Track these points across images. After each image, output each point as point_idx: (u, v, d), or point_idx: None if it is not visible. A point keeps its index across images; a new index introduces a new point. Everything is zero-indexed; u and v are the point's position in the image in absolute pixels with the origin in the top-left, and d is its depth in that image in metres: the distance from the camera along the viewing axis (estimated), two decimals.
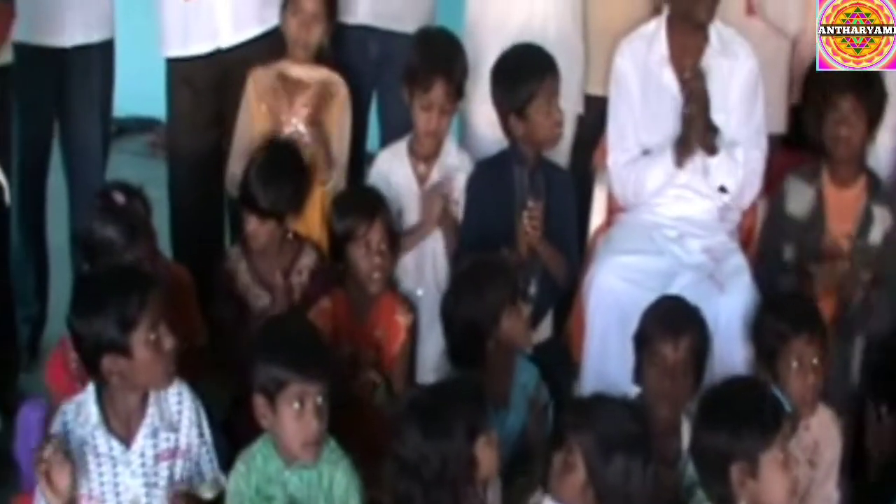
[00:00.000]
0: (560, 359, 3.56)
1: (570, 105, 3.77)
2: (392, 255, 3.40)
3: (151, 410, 2.73)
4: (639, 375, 3.01)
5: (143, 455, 2.72)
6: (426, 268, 3.53)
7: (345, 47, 3.87)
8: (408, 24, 3.78)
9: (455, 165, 3.58)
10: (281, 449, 2.71)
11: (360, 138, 3.97)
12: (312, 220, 3.59)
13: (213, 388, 3.20)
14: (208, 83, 3.89)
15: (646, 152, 3.63)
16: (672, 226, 3.59)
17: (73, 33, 3.83)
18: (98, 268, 3.09)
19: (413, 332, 3.41)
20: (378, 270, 3.34)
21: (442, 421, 2.55)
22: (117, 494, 2.72)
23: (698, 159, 3.54)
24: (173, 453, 2.76)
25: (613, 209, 3.79)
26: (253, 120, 3.72)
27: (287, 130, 3.67)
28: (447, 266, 3.52)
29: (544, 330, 3.60)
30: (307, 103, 3.69)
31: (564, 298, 3.63)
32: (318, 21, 3.68)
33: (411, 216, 3.55)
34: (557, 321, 3.66)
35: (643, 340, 2.99)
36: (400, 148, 3.63)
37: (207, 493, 2.81)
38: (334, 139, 3.72)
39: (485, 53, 3.63)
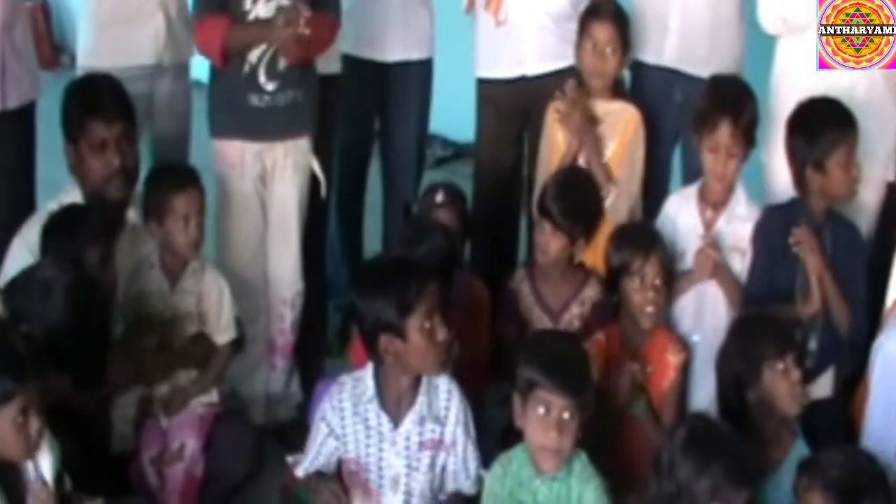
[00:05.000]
0: (834, 420, 3.61)
1: (877, 170, 3.83)
2: (666, 291, 3.60)
3: (421, 399, 3.09)
4: None
5: (408, 439, 3.09)
6: (706, 314, 3.70)
7: (648, 89, 4.15)
8: (714, 70, 3.92)
9: (743, 215, 3.70)
10: (531, 454, 2.98)
11: (664, 180, 4.20)
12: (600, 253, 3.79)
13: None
14: (512, 106, 4.28)
15: None
16: None
17: (393, 50, 4.32)
18: (384, 256, 3.51)
19: (684, 372, 3.58)
20: (651, 305, 3.55)
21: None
22: (380, 469, 3.11)
23: None
24: (437, 445, 3.11)
25: None
26: (552, 149, 4.04)
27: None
28: (727, 314, 3.65)
29: (824, 387, 3.66)
30: (601, 134, 3.95)
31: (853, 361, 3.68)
32: (613, 51, 3.94)
33: (692, 259, 3.71)
34: (839, 381, 3.70)
35: None
36: (690, 192, 3.82)
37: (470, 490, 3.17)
38: (624, 164, 3.96)
39: (789, 107, 3.68)
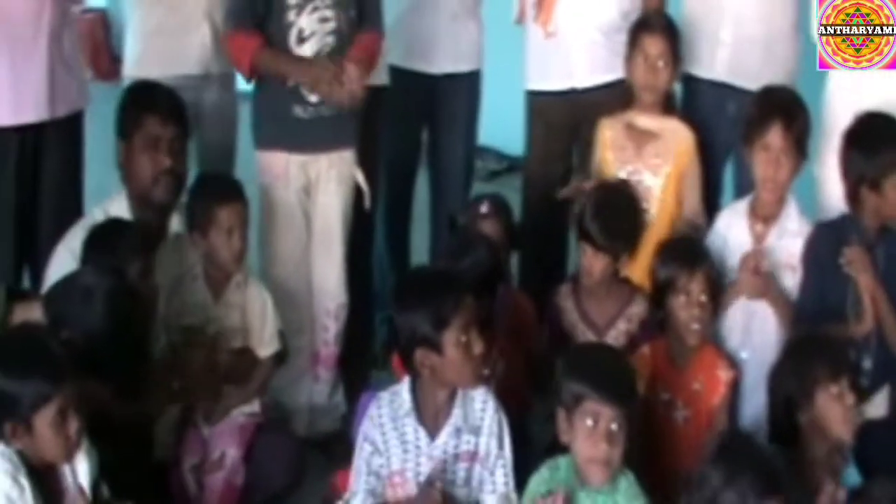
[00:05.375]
0: (889, 440, 3.51)
1: None
2: (712, 308, 3.56)
3: (457, 411, 3.09)
4: None
5: (444, 451, 3.09)
6: (754, 330, 3.68)
7: (700, 103, 4.13)
8: (766, 83, 3.87)
9: (795, 230, 3.68)
10: (577, 466, 2.97)
11: (715, 195, 4.18)
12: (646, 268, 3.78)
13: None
14: (562, 119, 4.27)
15: None
16: None
17: (442, 62, 4.35)
18: (422, 269, 3.56)
19: (734, 388, 3.56)
20: (696, 322, 3.52)
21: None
22: (418, 483, 3.09)
23: None
24: (472, 456, 3.11)
25: None
26: (602, 167, 4.03)
27: (635, 180, 3.95)
28: (777, 331, 3.63)
29: (879, 406, 3.61)
30: (655, 153, 3.95)
31: None
32: (665, 64, 3.93)
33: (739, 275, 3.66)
34: (894, 400, 3.63)
35: None
36: (741, 206, 3.79)
37: None
38: (686, 188, 3.96)
39: (843, 121, 3.67)
